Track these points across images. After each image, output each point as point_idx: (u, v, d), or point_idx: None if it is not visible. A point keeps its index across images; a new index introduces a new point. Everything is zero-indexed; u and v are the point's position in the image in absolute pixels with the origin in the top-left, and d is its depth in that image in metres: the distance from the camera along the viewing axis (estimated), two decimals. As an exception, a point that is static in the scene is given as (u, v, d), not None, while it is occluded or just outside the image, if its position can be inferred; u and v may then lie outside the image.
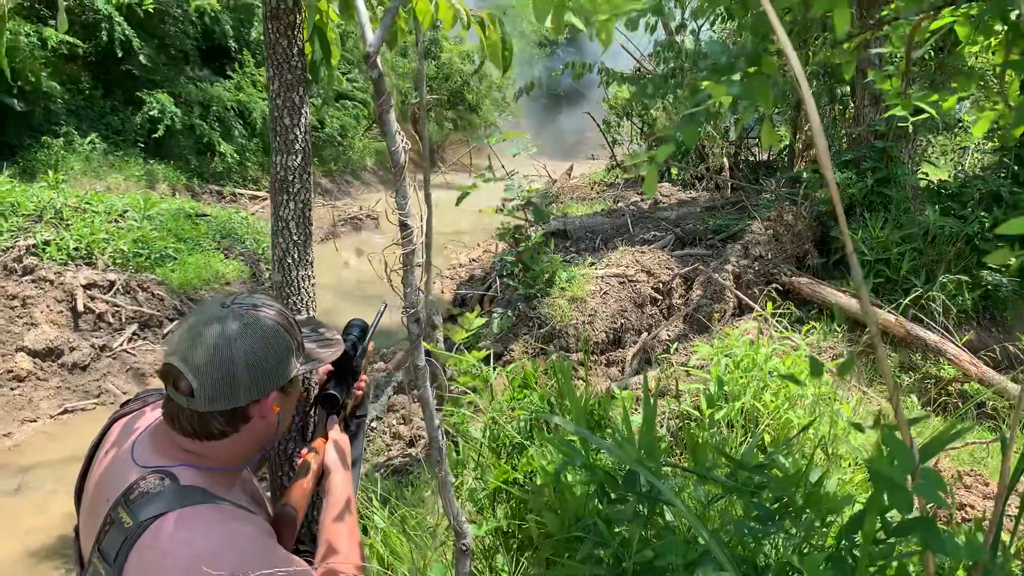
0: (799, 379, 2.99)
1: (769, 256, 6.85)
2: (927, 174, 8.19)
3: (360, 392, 1.85)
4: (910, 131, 7.03)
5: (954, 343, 5.60)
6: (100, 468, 1.43)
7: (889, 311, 5.88)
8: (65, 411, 6.30)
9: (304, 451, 1.67)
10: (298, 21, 2.07)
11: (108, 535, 1.26)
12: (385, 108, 1.10)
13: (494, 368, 3.64)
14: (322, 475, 1.64)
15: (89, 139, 14.12)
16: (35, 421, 6.12)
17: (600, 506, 1.81)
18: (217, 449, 1.38)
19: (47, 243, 8.04)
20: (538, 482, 2.34)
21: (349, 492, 1.61)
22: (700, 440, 3.08)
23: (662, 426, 3.82)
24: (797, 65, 0.97)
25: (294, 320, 1.48)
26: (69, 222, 8.59)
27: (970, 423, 4.93)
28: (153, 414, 1.50)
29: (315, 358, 1.51)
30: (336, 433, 1.69)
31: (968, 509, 3.53)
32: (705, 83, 1.54)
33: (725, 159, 12.93)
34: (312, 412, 1.83)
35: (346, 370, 1.81)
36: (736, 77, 1.50)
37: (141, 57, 14.81)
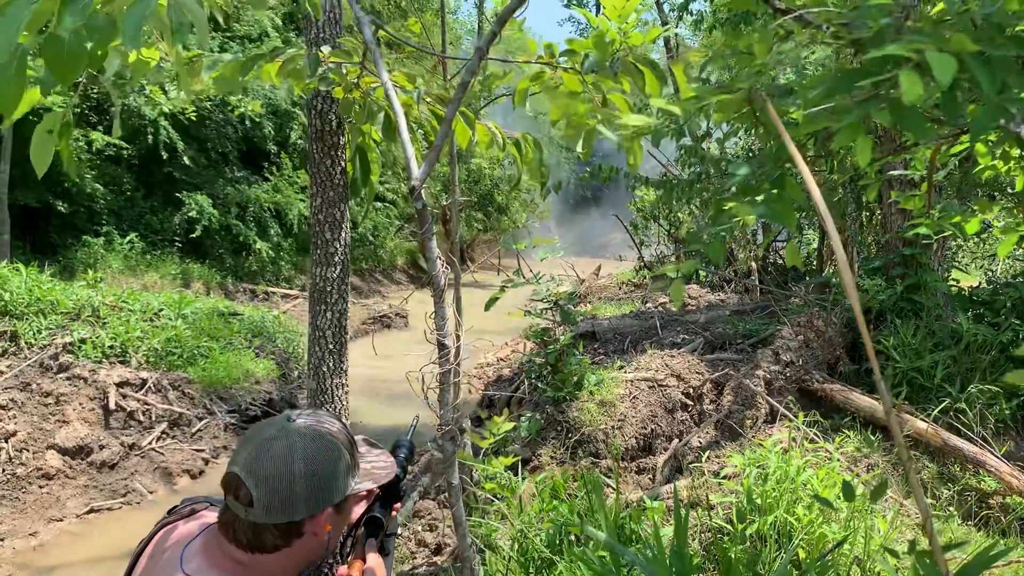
0: (832, 504, 2.93)
1: (800, 362, 6.79)
2: (957, 281, 8.16)
3: (395, 512, 1.86)
4: (933, 246, 7.06)
5: (993, 454, 5.46)
6: (146, 574, 1.45)
7: (923, 419, 5.78)
8: (91, 510, 6.29)
9: (341, 569, 1.66)
10: (341, 142, 2.17)
11: None
12: (428, 236, 1.15)
13: (522, 474, 3.61)
14: None
15: (128, 238, 14.55)
16: (61, 520, 6.11)
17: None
18: (267, 563, 1.39)
19: (83, 341, 8.19)
20: (568, 600, 2.30)
21: None
22: (732, 557, 3.01)
23: (694, 539, 3.73)
24: (818, 195, 1.01)
25: (353, 438, 1.51)
26: (105, 320, 8.75)
27: (1012, 540, 4.76)
28: (194, 523, 1.51)
29: (368, 477, 1.53)
30: (373, 558, 1.68)
31: (1016, 633, 3.39)
32: (730, 203, 1.58)
33: (753, 263, 13.00)
34: (353, 532, 1.83)
35: (392, 492, 1.81)
36: (760, 198, 1.54)
37: (185, 159, 15.36)
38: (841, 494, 1.52)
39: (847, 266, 0.94)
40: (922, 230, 2.06)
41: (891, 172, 4.06)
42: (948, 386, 6.29)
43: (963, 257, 11.15)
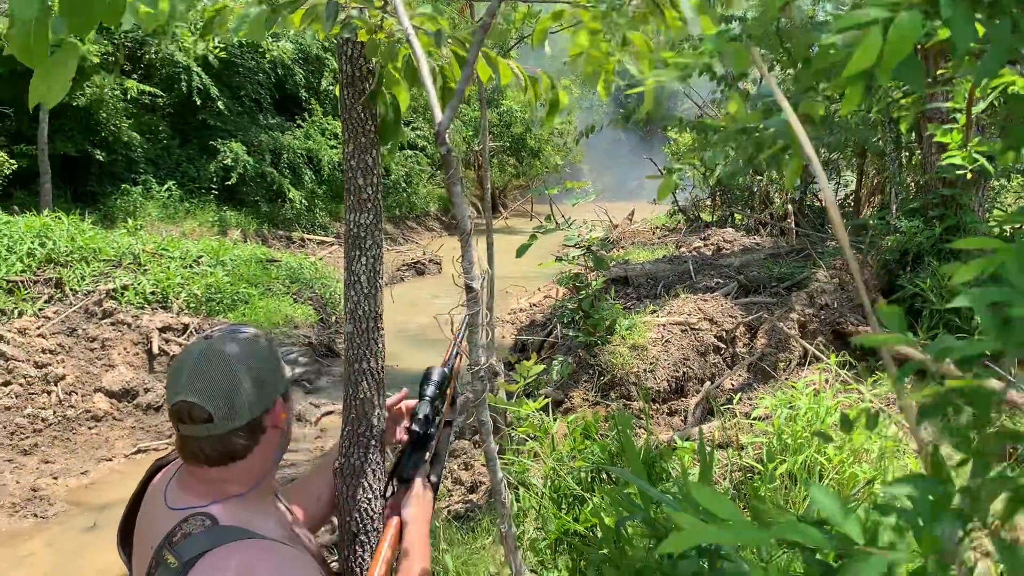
0: (831, 437, 2.94)
1: (835, 305, 6.76)
2: (999, 222, 8.00)
3: (430, 455, 1.86)
4: (968, 177, 6.90)
5: (1030, 396, 5.42)
6: (144, 516, 1.51)
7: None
8: (139, 451, 6.51)
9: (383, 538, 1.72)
10: (372, 87, 2.18)
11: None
12: (454, 180, 1.18)
13: (554, 415, 3.68)
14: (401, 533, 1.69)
15: (166, 187, 14.73)
16: (111, 460, 6.34)
17: (661, 561, 1.82)
18: (242, 470, 1.44)
19: (125, 287, 8.38)
20: (599, 535, 2.36)
21: (425, 548, 1.66)
22: (762, 495, 3.06)
23: (724, 478, 3.78)
24: (802, 133, 1.01)
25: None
26: (146, 267, 8.94)
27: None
28: (176, 463, 1.57)
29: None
30: (409, 512, 1.71)
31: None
32: (731, 105, 1.55)
33: (789, 205, 12.83)
34: (391, 483, 1.83)
35: (418, 439, 1.79)
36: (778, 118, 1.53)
37: (220, 103, 15.43)
38: (866, 424, 1.54)
39: (835, 206, 0.95)
40: (955, 159, 2.04)
41: (930, 106, 3.96)
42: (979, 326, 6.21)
43: (1006, 197, 10.89)
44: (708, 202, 16.46)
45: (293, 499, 1.83)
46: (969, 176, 6.76)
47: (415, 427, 1.81)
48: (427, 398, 1.85)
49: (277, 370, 1.49)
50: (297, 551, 1.41)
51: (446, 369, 1.96)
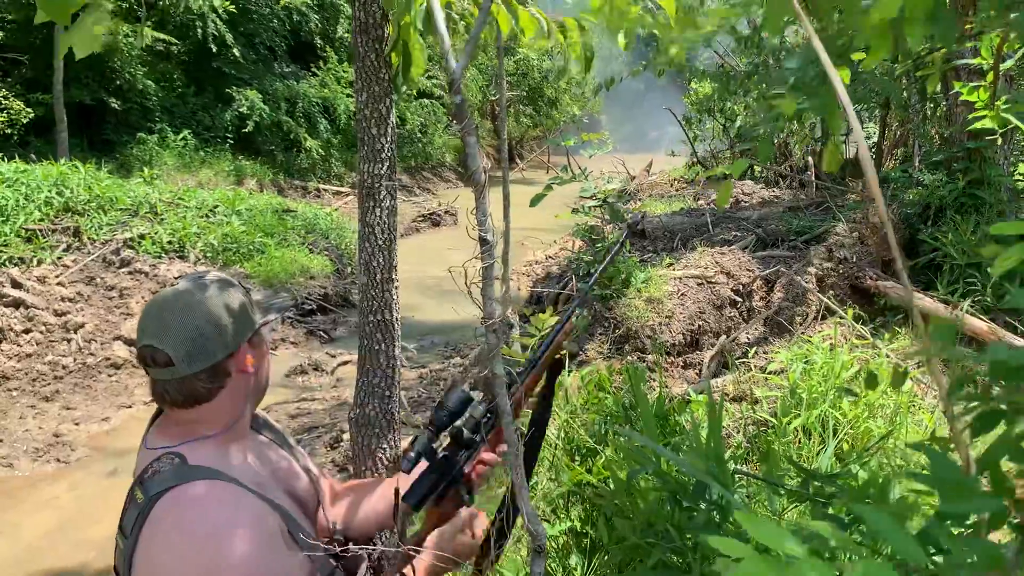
0: (855, 392, 2.93)
1: (854, 259, 6.69)
2: (1024, 175, 7.86)
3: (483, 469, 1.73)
4: (999, 139, 6.76)
5: (1049, 352, 5.37)
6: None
7: (981, 317, 5.69)
8: (158, 398, 6.61)
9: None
10: (386, 35, 2.14)
11: (127, 513, 1.37)
12: (468, 131, 1.15)
13: (568, 368, 3.68)
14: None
15: (182, 135, 14.69)
16: (130, 407, 6.44)
17: (672, 513, 1.84)
18: (211, 412, 1.46)
19: (142, 237, 8.42)
20: (611, 486, 2.37)
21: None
22: (774, 448, 3.06)
23: (738, 432, 3.79)
24: (842, 90, 0.98)
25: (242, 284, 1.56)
26: (163, 216, 8.97)
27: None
28: None
29: (270, 310, 1.55)
30: (430, 539, 1.60)
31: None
32: (774, 98, 1.53)
33: (810, 158, 12.66)
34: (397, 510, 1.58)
35: (442, 468, 1.61)
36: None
37: (236, 50, 15.28)
38: (866, 383, 1.53)
39: (870, 163, 0.92)
40: (986, 123, 1.98)
41: (956, 61, 3.85)
42: (1008, 284, 6.15)
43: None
44: (727, 154, 16.26)
45: (350, 492, 1.81)
46: (1000, 139, 6.62)
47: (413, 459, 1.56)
48: (440, 423, 1.63)
49: (243, 316, 1.48)
50: (257, 499, 1.41)
51: (471, 395, 1.70)
